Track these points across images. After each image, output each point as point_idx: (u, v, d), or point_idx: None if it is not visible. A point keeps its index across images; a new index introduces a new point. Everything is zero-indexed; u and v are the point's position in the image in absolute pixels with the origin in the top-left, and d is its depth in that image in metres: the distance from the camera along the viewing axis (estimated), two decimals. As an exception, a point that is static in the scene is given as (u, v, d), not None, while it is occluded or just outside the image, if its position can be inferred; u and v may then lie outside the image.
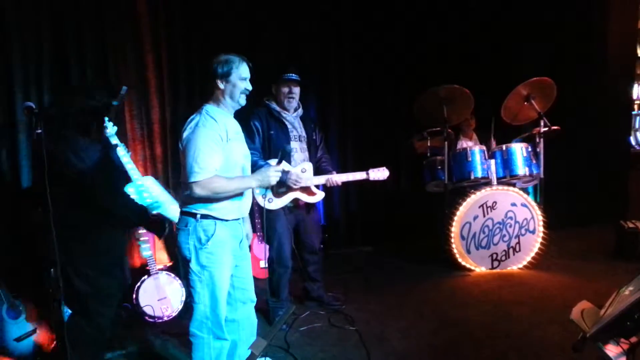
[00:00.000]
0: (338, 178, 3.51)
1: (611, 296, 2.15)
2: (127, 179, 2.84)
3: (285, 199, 3.49)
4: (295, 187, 3.42)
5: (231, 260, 2.53)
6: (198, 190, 2.34)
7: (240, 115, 2.66)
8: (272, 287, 3.67)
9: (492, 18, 5.76)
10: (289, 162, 3.48)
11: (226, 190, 2.42)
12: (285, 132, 3.60)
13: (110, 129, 2.77)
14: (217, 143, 2.39)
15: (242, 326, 2.65)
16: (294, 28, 5.31)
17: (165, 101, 4.42)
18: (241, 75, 2.46)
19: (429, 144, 4.97)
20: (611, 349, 1.94)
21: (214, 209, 2.42)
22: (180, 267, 3.33)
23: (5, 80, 3.60)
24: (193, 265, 2.41)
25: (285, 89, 3.56)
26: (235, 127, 2.58)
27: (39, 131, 2.30)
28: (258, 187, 2.62)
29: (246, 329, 2.67)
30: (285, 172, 3.34)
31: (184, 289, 3.83)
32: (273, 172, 2.53)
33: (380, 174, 3.53)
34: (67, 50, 3.85)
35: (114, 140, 2.79)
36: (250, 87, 2.52)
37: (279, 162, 2.69)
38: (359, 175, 3.55)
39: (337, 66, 5.72)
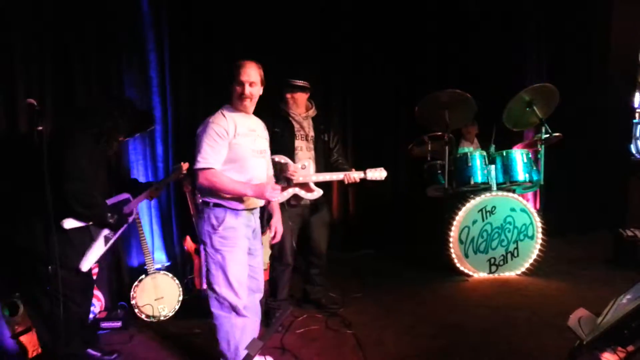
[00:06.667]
0: (336, 177, 3.53)
1: (609, 304, 2.16)
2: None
3: (285, 194, 3.49)
4: (292, 179, 3.45)
5: (246, 244, 2.66)
6: (201, 179, 2.54)
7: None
8: (271, 286, 3.67)
9: (495, 23, 5.78)
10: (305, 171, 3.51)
11: (224, 189, 2.56)
12: (291, 130, 3.64)
13: None
14: (222, 137, 2.55)
15: (249, 312, 2.72)
16: (296, 35, 5.31)
17: (167, 101, 4.42)
18: (240, 79, 2.56)
19: (429, 148, 4.96)
20: (608, 357, 1.94)
21: (224, 200, 2.60)
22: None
23: (7, 79, 3.58)
24: (209, 248, 2.62)
25: (288, 95, 3.62)
26: (249, 124, 2.69)
27: (40, 128, 2.30)
28: (253, 197, 2.63)
29: (252, 316, 2.74)
30: (284, 164, 3.44)
31: (181, 289, 3.84)
32: (271, 188, 2.60)
33: (377, 174, 3.54)
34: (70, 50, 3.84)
35: None
36: (246, 91, 2.58)
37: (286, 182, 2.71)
38: (357, 175, 3.55)
39: (338, 68, 5.72)
